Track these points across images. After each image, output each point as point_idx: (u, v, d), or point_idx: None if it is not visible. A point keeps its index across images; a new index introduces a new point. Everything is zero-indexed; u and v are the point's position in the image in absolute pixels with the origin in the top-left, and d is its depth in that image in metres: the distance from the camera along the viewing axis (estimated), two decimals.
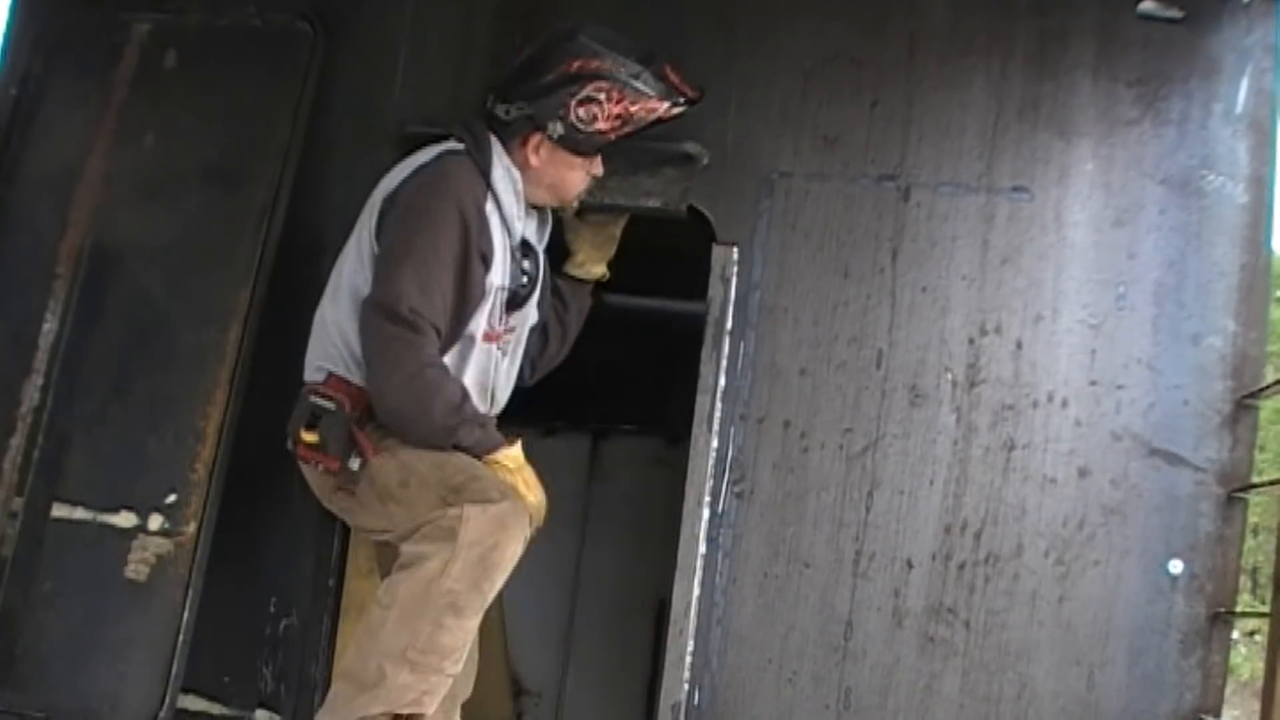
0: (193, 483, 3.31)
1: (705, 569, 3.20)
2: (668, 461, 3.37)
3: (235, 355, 3.37)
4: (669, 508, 3.30)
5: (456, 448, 2.90)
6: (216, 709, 3.37)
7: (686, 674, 3.18)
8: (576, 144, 3.05)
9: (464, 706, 3.26)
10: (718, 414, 3.24)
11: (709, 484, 3.22)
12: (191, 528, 3.28)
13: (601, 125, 3.01)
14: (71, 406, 3.43)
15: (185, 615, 3.22)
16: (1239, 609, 3.05)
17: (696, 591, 3.20)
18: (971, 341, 3.16)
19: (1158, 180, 3.13)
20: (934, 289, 3.19)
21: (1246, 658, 9.20)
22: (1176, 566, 3.01)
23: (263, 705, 3.37)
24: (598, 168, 3.15)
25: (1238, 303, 3.07)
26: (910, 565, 3.12)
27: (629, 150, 3.33)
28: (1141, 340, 3.10)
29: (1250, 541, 7.84)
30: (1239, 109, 3.12)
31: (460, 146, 3.07)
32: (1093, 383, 3.10)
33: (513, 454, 2.96)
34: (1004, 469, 3.11)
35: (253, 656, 3.38)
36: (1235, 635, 3.82)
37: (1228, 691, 3.05)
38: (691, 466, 3.23)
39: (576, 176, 3.13)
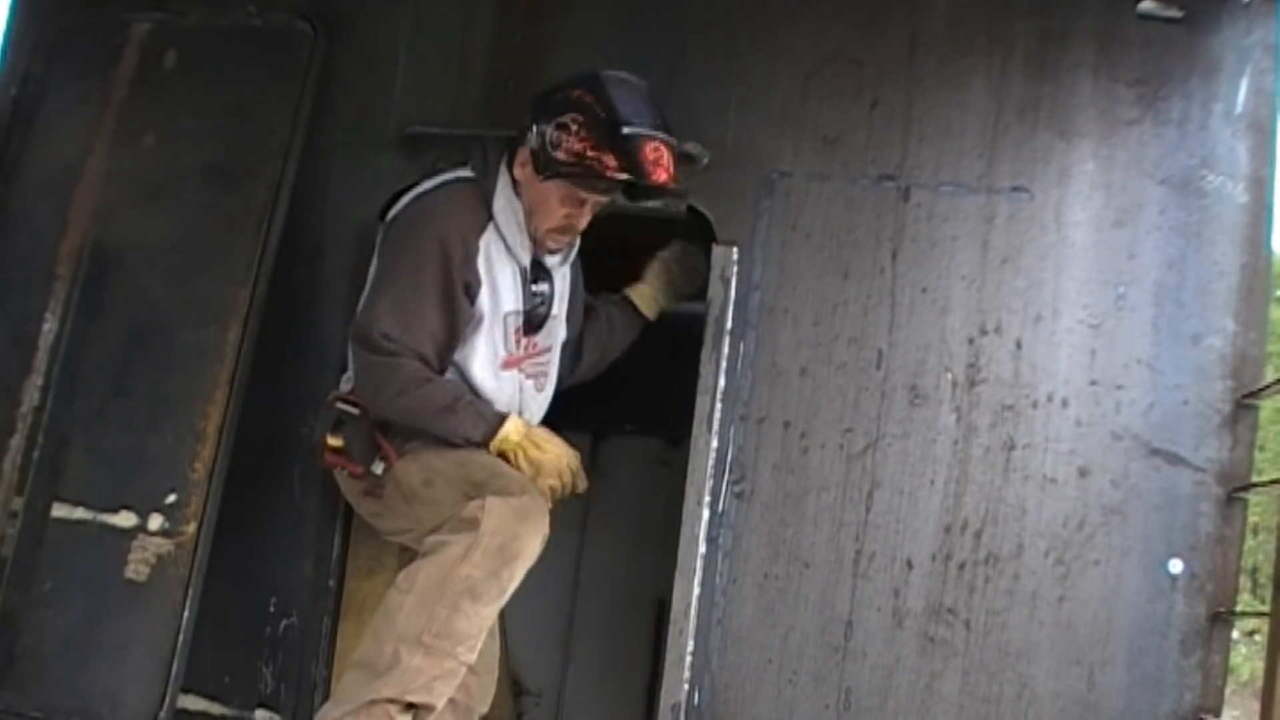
0: (193, 483, 3.31)
1: (705, 569, 3.20)
2: (668, 462, 3.37)
3: (235, 355, 3.37)
4: (669, 508, 3.30)
5: (469, 442, 2.99)
6: (216, 709, 3.38)
7: (686, 674, 3.18)
8: (538, 161, 3.02)
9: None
10: (718, 414, 3.24)
11: (709, 484, 3.22)
12: (191, 528, 3.28)
13: (560, 153, 2.98)
14: (71, 406, 3.44)
15: (185, 615, 3.22)
16: (1239, 609, 3.05)
17: (696, 592, 3.20)
18: (971, 341, 3.16)
19: (1158, 180, 3.13)
20: (934, 289, 3.19)
21: (1246, 657, 9.19)
22: (1176, 566, 3.01)
23: (263, 705, 3.37)
24: (577, 214, 3.09)
25: (1238, 303, 3.07)
26: (910, 565, 3.12)
27: None
28: (1141, 340, 3.09)
29: (1250, 541, 7.84)
30: (1239, 109, 3.12)
31: (468, 175, 3.12)
32: (1093, 383, 3.10)
33: (512, 425, 3.01)
34: (1004, 469, 3.11)
35: (253, 656, 3.38)
36: (1235, 635, 3.82)
37: (1228, 691, 3.04)
38: (691, 467, 3.23)
39: (550, 208, 3.07)
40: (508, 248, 3.09)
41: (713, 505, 3.22)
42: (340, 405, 3.09)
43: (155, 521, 3.30)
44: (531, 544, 2.85)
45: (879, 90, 3.28)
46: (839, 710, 3.11)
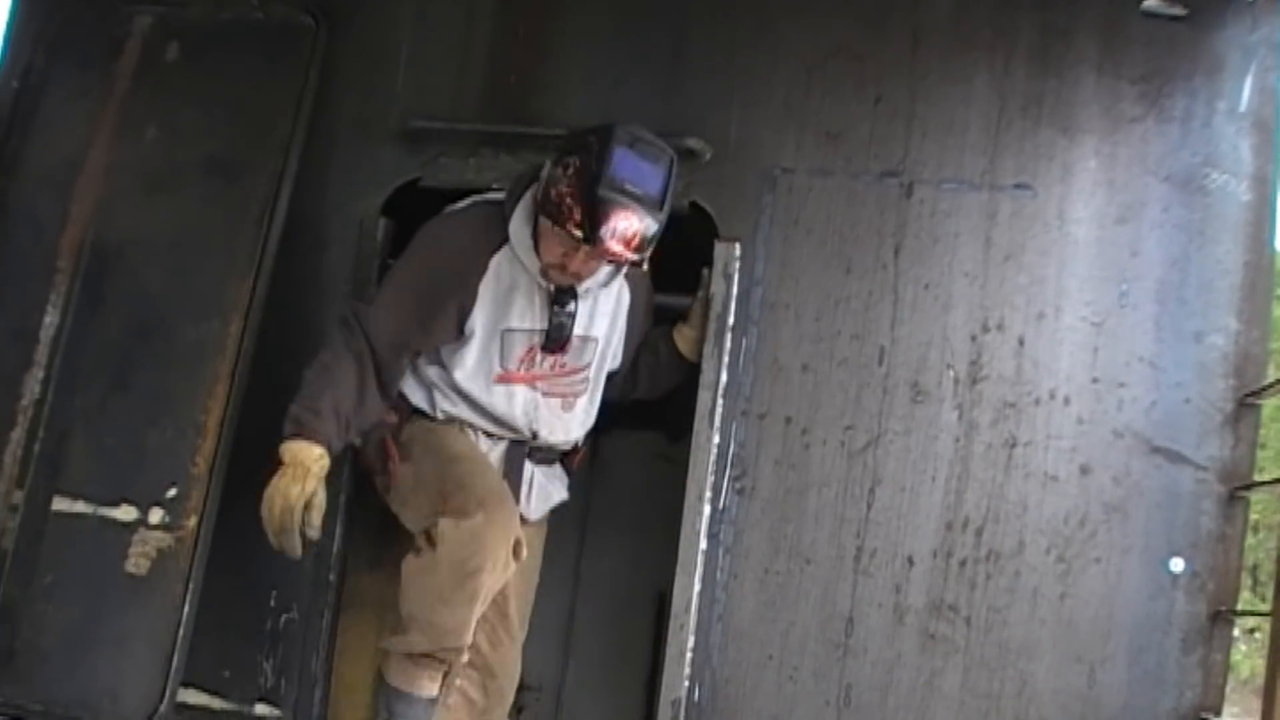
0: (193, 477, 3.31)
1: (706, 565, 3.20)
2: (669, 457, 3.36)
3: (236, 349, 3.37)
4: (670, 503, 3.30)
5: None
6: (217, 703, 3.38)
7: (687, 670, 3.18)
8: (537, 193, 3.02)
9: None
10: (719, 410, 3.23)
11: (710, 480, 3.22)
12: (192, 522, 3.28)
13: (551, 191, 2.96)
14: (72, 400, 3.44)
15: (185, 609, 3.23)
16: (1240, 607, 3.05)
17: (697, 587, 3.20)
18: (974, 338, 3.16)
19: (1161, 177, 3.13)
20: (936, 285, 3.19)
21: (1247, 655, 9.20)
22: (1178, 564, 3.01)
23: (263, 699, 3.37)
24: (571, 258, 3.00)
25: (1240, 301, 3.07)
26: (911, 562, 3.12)
27: None
28: (1144, 338, 3.09)
29: (1251, 539, 7.84)
30: (1243, 106, 3.11)
31: (498, 197, 3.16)
32: (1095, 380, 3.10)
33: (295, 446, 2.99)
34: (1005, 466, 3.11)
35: (253, 651, 3.38)
36: (1236, 633, 3.82)
37: (1228, 689, 3.04)
38: (693, 462, 3.23)
39: (548, 244, 3.02)
40: (525, 268, 3.09)
41: (714, 501, 3.22)
42: None
43: (156, 515, 3.30)
44: (487, 560, 2.94)
45: (882, 85, 3.28)
46: (839, 706, 3.11)
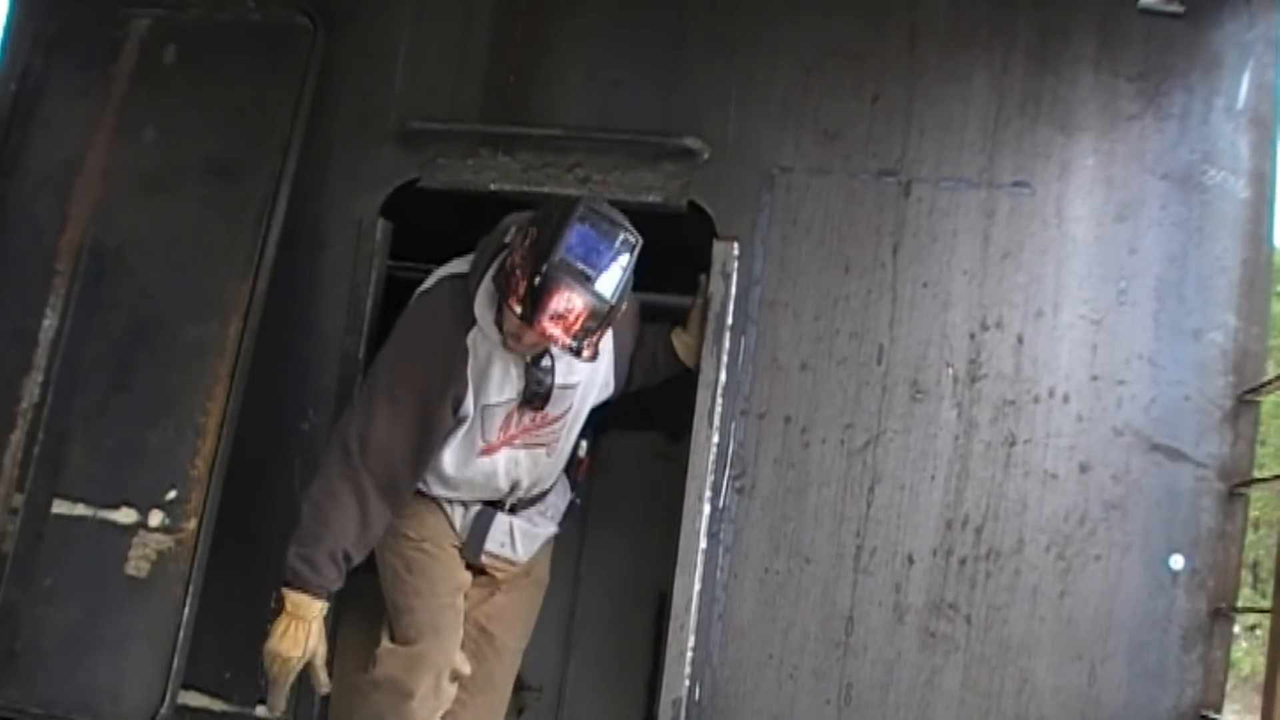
0: (193, 479, 3.31)
1: (706, 564, 3.20)
2: (669, 456, 3.36)
3: (235, 350, 3.37)
4: (670, 502, 3.30)
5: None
6: (217, 705, 3.38)
7: (687, 669, 3.18)
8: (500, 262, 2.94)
9: None
10: (719, 409, 3.23)
11: (710, 479, 3.22)
12: (192, 524, 3.28)
13: (507, 254, 2.89)
14: (72, 402, 3.44)
15: (186, 611, 3.23)
16: (1240, 604, 3.05)
17: (697, 586, 3.20)
18: (973, 336, 3.16)
19: (1159, 175, 3.13)
20: (935, 284, 3.19)
21: (1247, 652, 9.20)
22: (1178, 562, 3.01)
23: (263, 701, 3.36)
24: (523, 331, 2.88)
25: (1239, 298, 3.07)
26: (911, 560, 3.12)
27: (629, 145, 3.34)
28: (1143, 335, 3.09)
29: (1251, 536, 7.83)
30: (1240, 104, 3.11)
31: (462, 271, 3.06)
32: (1094, 378, 3.10)
33: (299, 598, 2.99)
34: (1005, 464, 3.11)
35: (254, 652, 3.36)
36: (1236, 630, 3.82)
37: (1228, 686, 3.05)
38: (692, 461, 3.23)
39: (505, 315, 2.91)
40: (491, 341, 3.02)
41: (714, 500, 3.22)
42: None
43: (156, 518, 3.30)
44: (419, 687, 3.10)
45: (880, 84, 3.28)
46: (840, 705, 3.11)
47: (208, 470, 3.30)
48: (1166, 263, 3.10)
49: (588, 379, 3.14)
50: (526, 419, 3.11)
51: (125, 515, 3.32)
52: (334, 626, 3.42)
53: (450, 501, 3.21)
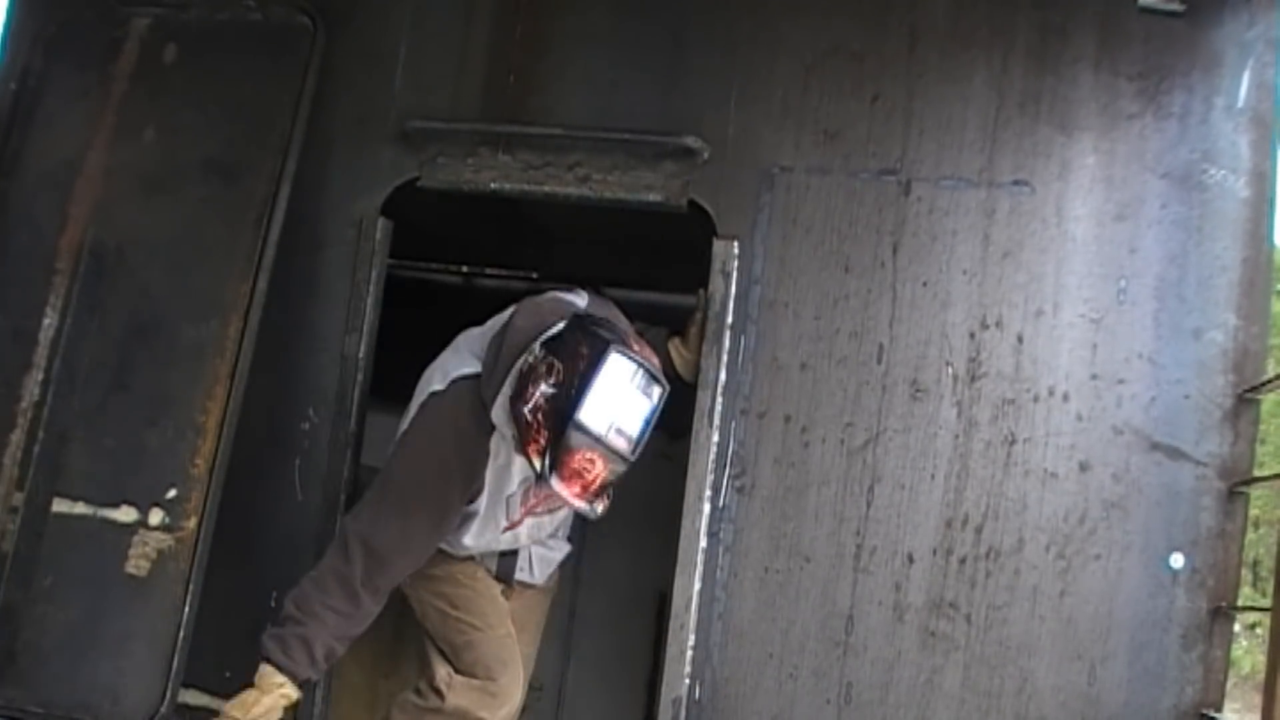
0: (193, 477, 3.31)
1: (706, 563, 3.20)
2: (669, 456, 3.36)
3: (235, 350, 3.36)
4: (670, 502, 3.30)
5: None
6: (217, 704, 3.36)
7: (687, 668, 3.18)
8: (521, 372, 2.87)
9: None
10: (718, 409, 3.23)
11: (710, 478, 3.22)
12: (192, 522, 3.28)
13: (528, 379, 2.82)
14: (72, 401, 3.44)
15: (186, 610, 3.22)
16: (1240, 603, 3.05)
17: (697, 586, 3.20)
18: (972, 336, 3.16)
19: (1159, 174, 3.12)
20: (935, 283, 3.19)
21: (1247, 651, 9.21)
22: (1178, 561, 3.01)
23: None
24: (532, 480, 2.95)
25: (1239, 297, 3.06)
26: (911, 560, 3.12)
27: (628, 144, 3.33)
28: (1143, 334, 3.09)
29: (1251, 535, 7.84)
30: (1241, 103, 3.11)
31: (474, 372, 3.01)
32: (1094, 377, 3.10)
33: (260, 670, 2.96)
34: (1005, 463, 3.11)
35: (254, 651, 3.37)
36: (1236, 629, 3.82)
37: (1229, 685, 3.04)
38: (692, 461, 3.23)
39: (517, 441, 2.90)
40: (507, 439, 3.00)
41: (713, 499, 3.22)
42: None
43: (156, 516, 3.30)
44: (495, 717, 3.16)
45: (880, 84, 3.27)
46: (840, 705, 3.11)
47: (208, 469, 3.30)
48: (1167, 262, 3.10)
49: None
50: (547, 488, 3.08)
51: (125, 514, 3.32)
52: None
53: (474, 560, 3.31)
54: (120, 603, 3.26)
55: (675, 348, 3.29)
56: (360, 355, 3.47)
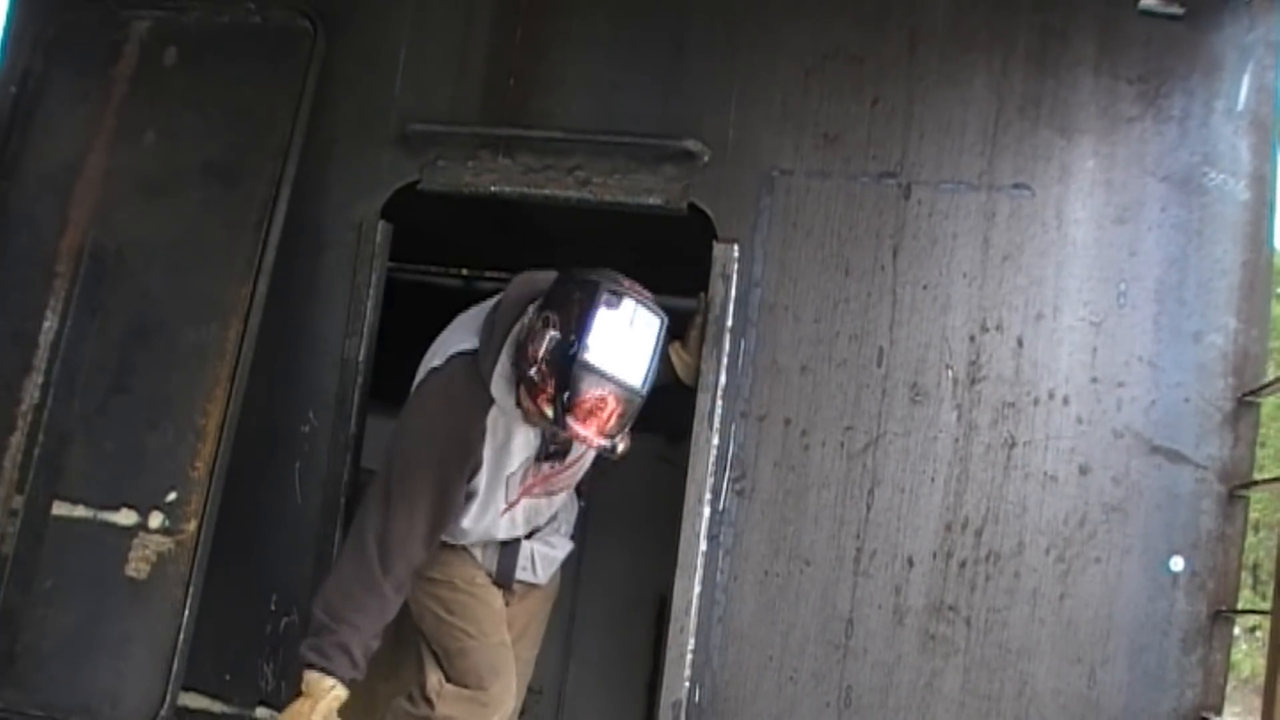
0: (193, 480, 3.31)
1: (706, 566, 3.20)
2: (669, 459, 3.36)
3: (235, 353, 3.37)
4: (670, 505, 3.30)
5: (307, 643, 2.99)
6: (217, 707, 3.38)
7: (687, 671, 3.18)
8: (519, 339, 2.88)
9: None
10: (718, 412, 3.23)
11: (710, 481, 3.22)
12: (192, 525, 3.28)
13: (527, 339, 2.82)
14: (72, 404, 3.44)
15: (186, 613, 3.22)
16: (1240, 606, 3.05)
17: (697, 589, 3.20)
18: (972, 339, 3.16)
19: (1159, 177, 3.13)
20: (935, 286, 3.19)
21: (1247, 654, 9.20)
22: (1178, 564, 3.01)
23: (263, 703, 3.38)
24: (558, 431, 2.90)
25: (1239, 300, 3.07)
26: (911, 563, 3.12)
27: (629, 147, 3.34)
28: (1143, 338, 3.09)
29: (1251, 538, 7.84)
30: (1241, 106, 3.11)
31: (472, 348, 3.00)
32: (1094, 380, 3.10)
33: (325, 685, 2.94)
34: (1005, 466, 3.11)
35: (254, 654, 3.39)
36: (1236, 632, 3.82)
37: (1228, 688, 3.04)
38: (692, 464, 3.23)
39: (530, 407, 2.89)
40: (515, 415, 2.99)
41: (714, 503, 3.22)
42: None
43: (156, 519, 3.30)
44: None
45: (880, 87, 3.27)
46: (840, 708, 3.11)
47: (208, 472, 3.30)
48: (1166, 265, 3.10)
49: None
50: (545, 468, 3.13)
51: (125, 517, 3.32)
52: None
53: (470, 549, 3.27)
54: (120, 606, 3.26)
55: (675, 351, 3.29)
56: (360, 358, 3.47)
